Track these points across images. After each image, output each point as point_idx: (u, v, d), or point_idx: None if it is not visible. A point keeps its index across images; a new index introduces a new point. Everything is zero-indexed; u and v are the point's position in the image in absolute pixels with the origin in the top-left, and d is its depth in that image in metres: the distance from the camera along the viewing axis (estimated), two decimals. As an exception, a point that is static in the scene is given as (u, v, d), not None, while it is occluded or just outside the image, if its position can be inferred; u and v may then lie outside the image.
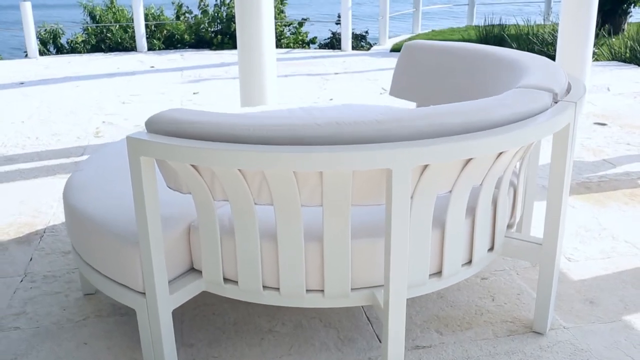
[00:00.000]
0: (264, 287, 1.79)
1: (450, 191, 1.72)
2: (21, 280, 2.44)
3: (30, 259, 2.60)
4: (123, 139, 2.56)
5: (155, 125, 1.61)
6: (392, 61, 7.23)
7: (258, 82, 4.16)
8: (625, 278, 2.40)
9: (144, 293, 1.77)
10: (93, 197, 1.99)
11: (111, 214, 1.86)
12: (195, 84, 6.09)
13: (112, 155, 2.34)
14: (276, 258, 1.74)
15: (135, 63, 7.47)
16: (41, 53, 8.53)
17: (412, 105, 4.42)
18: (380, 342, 2.04)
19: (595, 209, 3.02)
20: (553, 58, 7.07)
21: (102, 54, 8.32)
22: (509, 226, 2.16)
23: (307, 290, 1.77)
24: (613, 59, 6.87)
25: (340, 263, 1.71)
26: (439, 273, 1.85)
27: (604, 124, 4.43)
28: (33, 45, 7.97)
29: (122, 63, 7.47)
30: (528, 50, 7.43)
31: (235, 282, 1.81)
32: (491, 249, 2.01)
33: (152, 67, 7.26)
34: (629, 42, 6.87)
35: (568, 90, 2.01)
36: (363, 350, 1.99)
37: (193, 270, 1.88)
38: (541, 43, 7.49)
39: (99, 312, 2.22)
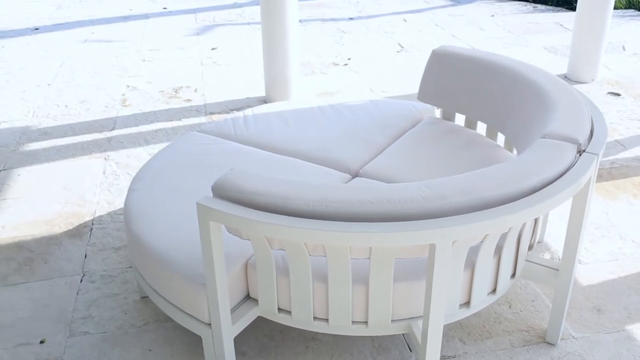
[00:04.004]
0: (314, 317, 2.03)
1: (482, 241, 1.92)
2: (81, 280, 2.69)
3: (85, 256, 2.84)
4: (166, 146, 2.72)
5: (221, 191, 1.79)
6: (406, 3, 7.19)
7: (281, 28, 4.19)
8: (630, 283, 2.65)
9: (209, 324, 2.02)
10: (156, 228, 2.19)
11: (177, 252, 2.07)
12: (211, 33, 6.12)
13: (162, 172, 2.52)
14: (326, 296, 1.97)
15: (147, 2, 7.43)
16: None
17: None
18: (410, 350, 2.30)
19: (605, 202, 3.22)
20: (573, 6, 7.02)
21: (112, -11, 8.22)
22: (529, 247, 2.38)
23: (352, 322, 2.02)
24: (630, 7, 6.83)
25: (383, 302, 1.94)
26: (467, 303, 2.09)
27: (617, 94, 4.55)
28: (42, -20, 7.88)
29: (134, 2, 7.43)
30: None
31: (289, 312, 2.05)
32: (513, 275, 2.24)
33: (165, 8, 7.22)
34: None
35: (591, 132, 2.17)
36: (396, 361, 2.27)
37: (249, 298, 2.12)
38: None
39: (157, 316, 2.48)
